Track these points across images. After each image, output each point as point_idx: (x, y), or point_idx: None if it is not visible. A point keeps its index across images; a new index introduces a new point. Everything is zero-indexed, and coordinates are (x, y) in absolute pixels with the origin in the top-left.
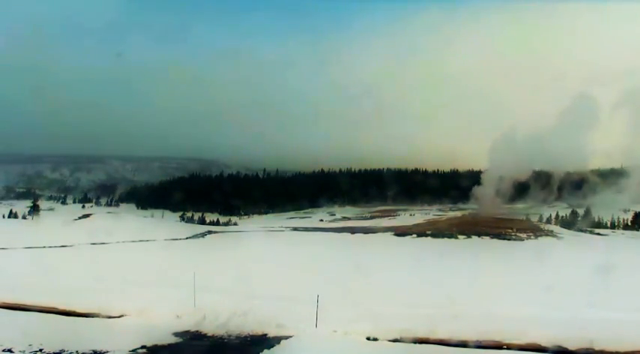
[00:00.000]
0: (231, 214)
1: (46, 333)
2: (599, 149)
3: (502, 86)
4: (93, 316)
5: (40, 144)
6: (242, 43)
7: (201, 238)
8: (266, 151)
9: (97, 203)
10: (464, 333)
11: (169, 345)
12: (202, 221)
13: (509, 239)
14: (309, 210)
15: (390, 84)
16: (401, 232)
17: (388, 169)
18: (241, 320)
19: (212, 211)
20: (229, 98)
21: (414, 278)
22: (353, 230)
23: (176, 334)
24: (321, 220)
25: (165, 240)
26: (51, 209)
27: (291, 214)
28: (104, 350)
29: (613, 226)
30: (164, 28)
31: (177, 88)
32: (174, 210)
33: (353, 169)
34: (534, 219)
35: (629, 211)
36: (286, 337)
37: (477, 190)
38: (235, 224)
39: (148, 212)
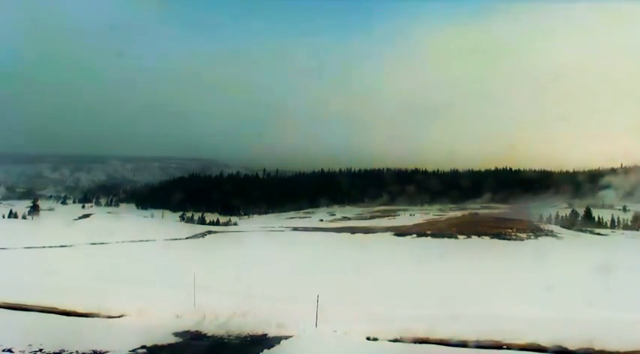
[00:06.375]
0: (231, 214)
1: (46, 333)
2: None
3: None
4: (93, 316)
5: (40, 144)
6: None
7: (201, 238)
8: (267, 151)
9: (97, 203)
10: (464, 333)
11: (169, 345)
12: (202, 221)
13: (509, 239)
14: (309, 210)
15: None
16: (401, 232)
17: (388, 169)
18: (241, 320)
19: (212, 211)
20: None
21: (414, 278)
22: (353, 230)
23: (176, 334)
24: (321, 220)
25: (165, 240)
26: (51, 209)
27: (291, 214)
28: (104, 350)
29: (613, 226)
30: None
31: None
32: (174, 210)
33: (353, 169)
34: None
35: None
36: (286, 337)
37: None
38: (235, 224)
39: (148, 212)
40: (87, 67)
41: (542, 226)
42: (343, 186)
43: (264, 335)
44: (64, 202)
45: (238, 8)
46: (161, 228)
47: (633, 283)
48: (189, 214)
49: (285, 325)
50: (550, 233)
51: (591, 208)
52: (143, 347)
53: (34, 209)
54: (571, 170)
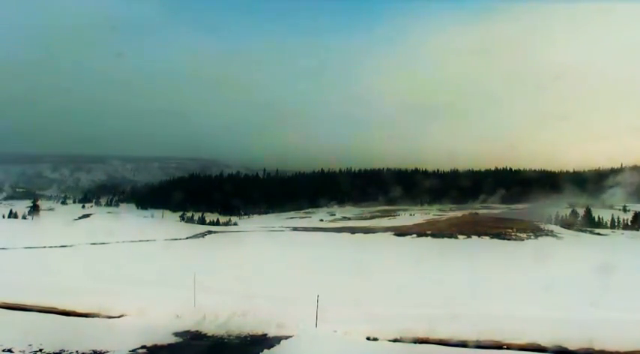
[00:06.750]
0: (231, 214)
1: (46, 333)
2: None
3: None
4: (93, 316)
5: (40, 144)
6: None
7: (201, 238)
8: (267, 151)
9: (97, 203)
10: (464, 333)
11: (169, 345)
12: (202, 221)
13: (509, 239)
14: (309, 210)
15: None
16: (401, 232)
17: (388, 169)
18: (241, 320)
19: (212, 211)
20: None
21: (414, 278)
22: (353, 230)
23: (176, 334)
24: (321, 220)
25: (165, 240)
26: (51, 209)
27: (291, 214)
28: (104, 350)
29: (613, 226)
30: None
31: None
32: (174, 210)
33: (353, 169)
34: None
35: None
36: (286, 337)
37: None
38: (235, 224)
39: (148, 212)
40: (87, 67)
41: (542, 226)
42: (343, 186)
43: (264, 335)
44: (64, 202)
45: (239, 8)
46: (161, 228)
47: (633, 283)
48: (189, 214)
49: (285, 325)
50: (550, 233)
51: (591, 208)
52: (143, 347)
53: (34, 209)
54: (571, 170)
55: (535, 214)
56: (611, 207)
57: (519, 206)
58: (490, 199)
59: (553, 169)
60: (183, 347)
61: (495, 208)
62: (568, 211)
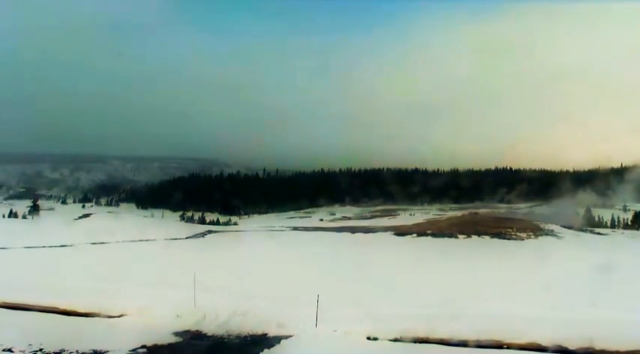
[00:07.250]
0: (231, 214)
1: (46, 333)
2: None
3: None
4: (93, 316)
5: (40, 144)
6: None
7: (201, 238)
8: (267, 151)
9: (97, 203)
10: (464, 333)
11: (169, 345)
12: (202, 221)
13: (509, 239)
14: (309, 209)
15: None
16: (401, 231)
17: (388, 169)
18: (241, 320)
19: (212, 211)
20: None
21: (414, 277)
22: (353, 230)
23: (176, 334)
24: (321, 220)
25: (165, 240)
26: (51, 209)
27: (291, 213)
28: (104, 350)
29: (613, 226)
30: None
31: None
32: (174, 209)
33: (353, 169)
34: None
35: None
36: (286, 337)
37: None
38: (235, 224)
39: (148, 212)
40: (88, 67)
41: (542, 226)
42: (343, 186)
43: (264, 335)
44: (64, 202)
45: (239, 8)
46: (161, 228)
47: (633, 283)
48: (189, 214)
49: (285, 325)
50: (550, 233)
51: (591, 208)
52: (143, 347)
53: (34, 209)
54: (571, 170)
55: (535, 214)
56: (611, 206)
57: (520, 206)
58: (490, 199)
59: (553, 169)
60: (184, 347)
61: (495, 208)
62: (568, 211)
